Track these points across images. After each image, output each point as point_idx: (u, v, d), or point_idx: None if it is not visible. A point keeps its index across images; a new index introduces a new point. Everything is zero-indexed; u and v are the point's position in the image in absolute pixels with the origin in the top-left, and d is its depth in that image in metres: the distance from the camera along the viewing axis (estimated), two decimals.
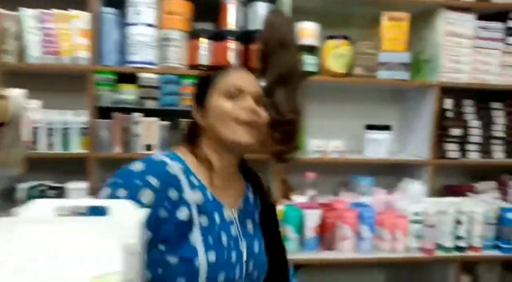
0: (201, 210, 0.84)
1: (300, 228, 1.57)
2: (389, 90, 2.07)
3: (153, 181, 0.78)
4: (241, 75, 0.93)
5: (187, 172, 0.85)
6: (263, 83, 1.65)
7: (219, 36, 1.70)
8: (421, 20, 1.88)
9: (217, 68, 0.96)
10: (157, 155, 0.86)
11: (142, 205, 0.74)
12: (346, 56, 1.74)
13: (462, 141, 1.87)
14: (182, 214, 0.80)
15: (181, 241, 0.80)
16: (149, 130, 1.66)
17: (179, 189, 0.82)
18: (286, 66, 1.61)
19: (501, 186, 1.98)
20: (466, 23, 1.80)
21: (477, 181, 1.99)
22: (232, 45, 1.69)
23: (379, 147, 1.84)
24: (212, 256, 0.81)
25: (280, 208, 1.59)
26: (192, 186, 0.84)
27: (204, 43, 1.69)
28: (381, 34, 1.76)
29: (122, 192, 0.77)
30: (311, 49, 1.73)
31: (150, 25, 1.64)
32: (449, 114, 1.84)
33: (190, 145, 0.92)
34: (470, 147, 1.89)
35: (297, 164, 1.79)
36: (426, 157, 1.83)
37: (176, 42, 1.67)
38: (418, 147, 1.91)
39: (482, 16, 1.82)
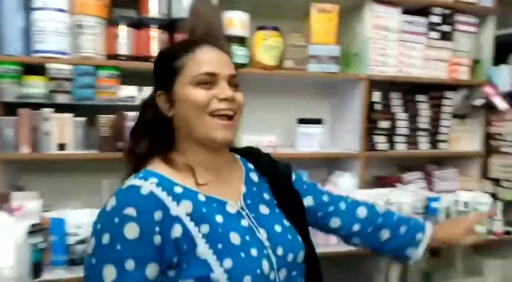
0: (196, 218, 0.77)
1: None
2: (321, 84, 2.05)
3: (131, 211, 0.72)
4: (210, 55, 0.83)
5: (165, 184, 0.78)
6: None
7: (140, 24, 1.57)
8: (350, 13, 1.88)
9: (180, 49, 0.85)
10: (127, 181, 0.78)
11: (132, 242, 0.70)
12: (276, 48, 1.68)
13: (390, 133, 1.91)
14: (176, 232, 0.74)
15: (189, 261, 0.74)
16: (61, 128, 1.49)
17: (162, 207, 0.75)
18: None
19: (426, 176, 2.06)
20: (392, 17, 1.82)
21: (405, 172, 2.05)
22: (155, 33, 1.56)
23: (311, 140, 1.81)
24: (228, 263, 0.75)
25: None
26: (176, 197, 0.77)
27: (123, 31, 1.55)
28: (311, 27, 1.73)
29: (106, 237, 0.71)
30: (241, 40, 1.65)
31: (60, 10, 1.47)
32: (378, 107, 1.87)
33: (160, 148, 0.84)
34: (398, 139, 1.93)
35: None
36: (356, 150, 1.85)
37: (92, 30, 1.50)
38: (349, 140, 1.92)
39: (407, 11, 1.86)
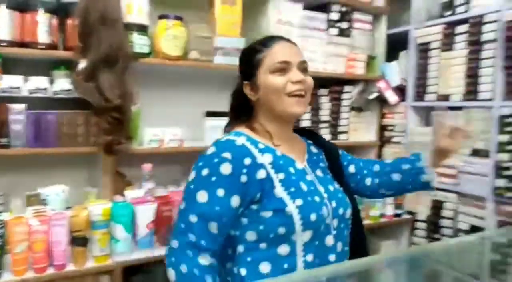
0: (275, 167, 0.98)
1: (131, 227, 1.43)
2: (229, 76, 2.05)
3: (227, 155, 0.94)
4: (284, 47, 1.04)
5: (252, 141, 1.00)
6: (83, 64, 1.46)
7: (25, 6, 1.42)
8: (254, 7, 1.90)
9: (260, 44, 1.06)
10: (221, 137, 1.01)
11: (225, 176, 0.92)
12: (180, 39, 1.64)
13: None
14: (260, 174, 0.96)
15: (269, 197, 0.95)
16: None
17: (251, 156, 0.96)
18: (109, 46, 1.43)
19: None
20: (294, 12, 1.88)
21: None
22: (42, 18, 1.42)
23: (219, 133, 1.80)
24: (299, 201, 0.95)
25: (107, 206, 1.41)
26: (260, 151, 0.99)
27: (5, 14, 1.38)
28: (216, 18, 1.71)
29: (205, 171, 0.93)
30: (141, 29, 1.57)
31: None
32: None
33: (244, 121, 1.07)
34: None
35: (132, 155, 1.64)
36: None
37: None
38: None
39: (308, 7, 1.93)
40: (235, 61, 1.73)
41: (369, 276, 0.90)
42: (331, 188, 1.05)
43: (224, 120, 1.79)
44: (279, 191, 0.96)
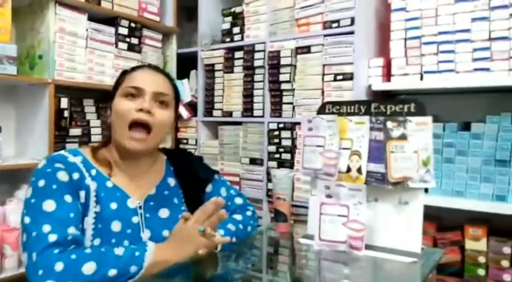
0: (96, 197, 0.94)
1: None
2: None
3: (59, 165, 0.94)
4: (144, 74, 1.02)
5: (87, 165, 0.98)
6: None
7: None
8: (32, 12, 1.74)
9: (130, 69, 1.06)
10: (58, 152, 1.00)
11: (65, 182, 0.91)
12: None
13: (84, 140, 1.87)
14: (81, 195, 0.93)
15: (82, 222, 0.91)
16: None
17: (80, 174, 0.95)
18: None
19: None
20: (79, 22, 1.80)
21: None
22: None
23: None
24: (97, 241, 0.92)
25: None
26: (90, 176, 0.96)
27: None
28: None
29: (42, 182, 0.90)
30: None
31: None
32: (67, 113, 1.79)
33: (103, 142, 1.06)
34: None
35: None
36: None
37: None
38: (38, 149, 1.76)
39: (94, 18, 1.87)
40: (5, 69, 1.55)
41: None
42: (165, 233, 1.00)
43: None
44: (88, 223, 0.92)
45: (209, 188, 1.20)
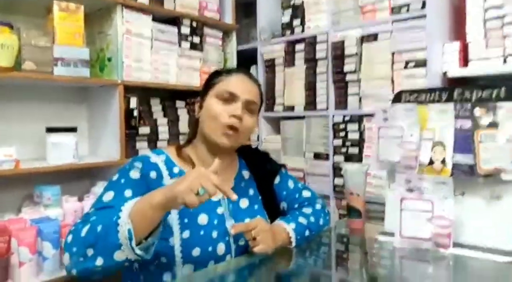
0: None
1: None
2: (74, 89, 1.90)
3: (138, 164, 1.00)
4: (240, 81, 1.07)
5: (168, 162, 1.04)
6: None
7: None
8: (100, 16, 1.81)
9: (225, 71, 1.11)
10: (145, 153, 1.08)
11: (133, 180, 0.97)
12: (10, 47, 1.45)
13: (152, 138, 1.93)
14: None
15: (161, 222, 0.87)
16: None
17: (159, 174, 1.00)
18: None
19: None
20: (144, 23, 1.85)
21: None
22: None
23: (63, 151, 1.64)
24: (186, 234, 0.96)
25: None
26: (171, 174, 1.02)
27: None
28: (54, 26, 1.57)
29: (116, 176, 0.99)
30: None
31: None
32: (136, 113, 1.85)
33: (189, 140, 1.13)
34: (160, 144, 1.97)
35: None
36: (117, 157, 1.78)
37: None
38: (110, 148, 1.84)
39: (158, 19, 1.91)
40: (79, 72, 1.63)
41: None
42: (247, 221, 1.02)
43: (70, 137, 1.67)
44: (173, 219, 0.95)
45: (277, 180, 1.23)
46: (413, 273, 1.00)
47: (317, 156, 2.01)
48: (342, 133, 1.89)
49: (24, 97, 1.73)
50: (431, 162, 1.08)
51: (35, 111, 1.76)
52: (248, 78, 1.10)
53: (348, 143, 1.86)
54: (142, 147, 1.89)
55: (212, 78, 1.10)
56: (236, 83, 1.06)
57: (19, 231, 1.34)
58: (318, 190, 1.99)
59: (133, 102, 1.84)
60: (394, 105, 1.16)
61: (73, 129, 1.68)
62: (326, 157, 1.96)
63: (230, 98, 1.04)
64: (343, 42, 1.85)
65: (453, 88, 1.12)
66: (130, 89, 1.83)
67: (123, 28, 1.77)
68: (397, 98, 1.22)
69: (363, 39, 1.79)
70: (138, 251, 0.81)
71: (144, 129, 1.89)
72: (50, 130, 1.63)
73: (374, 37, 1.75)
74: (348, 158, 1.86)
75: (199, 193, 0.78)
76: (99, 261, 0.82)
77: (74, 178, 1.83)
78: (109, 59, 1.81)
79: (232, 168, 1.16)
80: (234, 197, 0.84)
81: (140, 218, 0.81)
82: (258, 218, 1.04)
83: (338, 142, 1.90)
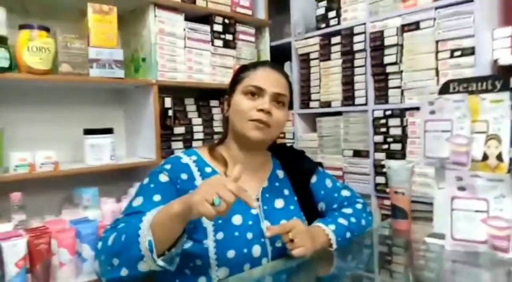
0: None
1: None
2: (109, 90, 1.92)
3: (167, 166, 0.98)
4: (266, 74, 1.02)
5: (200, 163, 1.01)
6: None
7: None
8: (134, 17, 1.82)
9: (250, 65, 1.06)
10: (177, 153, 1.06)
11: (162, 183, 0.95)
12: (47, 51, 1.47)
13: (187, 138, 1.92)
14: None
15: (195, 224, 0.89)
16: None
17: (190, 175, 0.98)
18: None
19: None
20: (177, 23, 1.84)
21: None
22: None
23: (101, 152, 1.66)
24: (220, 235, 0.92)
25: None
26: (203, 174, 0.99)
27: None
28: (89, 28, 1.58)
29: (146, 180, 0.97)
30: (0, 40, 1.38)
31: None
32: (171, 113, 1.84)
33: (220, 141, 1.09)
34: (195, 144, 1.95)
35: None
36: (153, 158, 1.78)
37: None
38: (147, 148, 1.85)
39: (190, 18, 1.90)
40: (113, 73, 1.64)
41: None
42: (283, 222, 0.99)
43: (107, 138, 1.69)
44: (207, 220, 0.92)
45: (313, 179, 1.17)
46: (467, 279, 0.91)
47: (356, 154, 1.92)
48: (383, 129, 1.79)
49: (62, 100, 1.76)
50: (485, 157, 0.98)
51: (73, 114, 1.79)
52: (274, 70, 1.05)
53: (389, 139, 1.77)
54: (177, 147, 1.88)
55: (238, 74, 1.07)
56: (262, 77, 1.02)
57: (59, 232, 1.35)
58: (358, 189, 1.92)
59: (168, 102, 1.83)
60: (441, 97, 1.07)
61: (109, 131, 1.70)
62: (366, 155, 1.87)
63: (257, 92, 1.00)
64: (382, 32, 1.75)
65: (509, 76, 1.01)
66: (164, 89, 1.83)
67: (156, 28, 1.77)
68: (445, 88, 1.13)
69: (404, 28, 1.69)
70: (161, 263, 0.78)
71: (179, 130, 1.89)
72: (87, 132, 1.65)
73: (416, 25, 1.65)
74: (390, 155, 1.77)
75: (214, 203, 0.72)
76: (124, 272, 0.80)
77: (112, 179, 1.84)
78: (144, 60, 1.82)
79: (266, 167, 1.12)
80: (255, 204, 0.78)
81: (160, 229, 0.78)
82: (295, 219, 0.98)
83: (379, 138, 1.81)
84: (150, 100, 1.78)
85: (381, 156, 1.80)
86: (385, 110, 1.77)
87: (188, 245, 0.92)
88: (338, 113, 2.00)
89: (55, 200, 1.71)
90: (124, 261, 0.80)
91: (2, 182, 1.41)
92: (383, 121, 1.78)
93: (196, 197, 0.74)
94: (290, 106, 2.16)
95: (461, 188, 1.00)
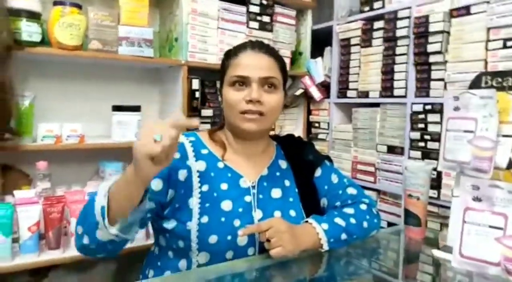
0: (203, 176, 0.93)
1: (11, 230, 1.30)
2: (141, 69, 1.94)
3: None
4: (248, 58, 0.96)
5: (197, 144, 0.99)
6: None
7: None
8: None
9: (234, 50, 1.00)
10: None
11: None
12: (77, 27, 1.52)
13: (214, 121, 1.89)
14: (180, 175, 0.91)
15: (181, 204, 0.90)
16: None
17: (183, 154, 0.95)
18: None
19: None
20: (210, 3, 1.80)
21: None
22: None
23: (127, 129, 1.69)
24: (205, 219, 0.90)
25: None
26: (198, 155, 0.96)
27: None
28: (120, 5, 1.60)
29: None
30: (32, 15, 1.44)
31: None
32: (198, 94, 1.83)
33: (220, 126, 1.06)
34: None
35: (26, 152, 1.51)
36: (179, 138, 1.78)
37: None
38: None
39: None
40: (142, 52, 1.65)
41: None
42: (276, 214, 0.96)
43: (133, 115, 1.72)
44: (194, 202, 0.90)
45: (318, 172, 1.09)
46: None
47: (391, 150, 1.77)
48: (421, 125, 1.63)
49: (93, 76, 1.82)
50: (510, 165, 0.84)
51: (103, 89, 1.84)
52: (258, 52, 0.97)
53: (427, 137, 1.60)
54: (204, 129, 1.86)
55: (223, 63, 1.02)
56: (245, 63, 0.95)
57: (72, 202, 1.41)
58: (389, 188, 1.79)
59: (196, 84, 1.81)
60: (468, 91, 0.93)
61: (137, 109, 1.72)
62: (401, 152, 1.72)
63: (242, 82, 0.94)
64: (427, 17, 1.57)
65: None
66: (195, 71, 1.81)
67: (189, 8, 1.75)
68: (477, 81, 0.98)
69: (453, 13, 1.50)
70: (113, 231, 0.77)
71: (207, 112, 1.87)
72: (115, 108, 1.69)
73: (466, 10, 1.45)
74: (426, 154, 1.61)
75: (155, 140, 0.68)
76: (86, 240, 0.81)
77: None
78: (176, 40, 1.81)
79: (267, 154, 1.07)
80: (195, 123, 0.72)
81: (118, 195, 0.76)
82: (275, 218, 0.92)
83: (416, 134, 1.65)
84: (179, 81, 1.78)
85: (416, 154, 1.64)
86: (424, 104, 1.60)
87: (172, 225, 0.91)
88: (376, 104, 1.85)
89: (84, 172, 1.79)
90: (85, 229, 0.81)
91: (30, 151, 1.49)
92: (421, 116, 1.62)
93: (136, 143, 0.70)
94: (328, 95, 2.06)
95: (477, 199, 0.86)
